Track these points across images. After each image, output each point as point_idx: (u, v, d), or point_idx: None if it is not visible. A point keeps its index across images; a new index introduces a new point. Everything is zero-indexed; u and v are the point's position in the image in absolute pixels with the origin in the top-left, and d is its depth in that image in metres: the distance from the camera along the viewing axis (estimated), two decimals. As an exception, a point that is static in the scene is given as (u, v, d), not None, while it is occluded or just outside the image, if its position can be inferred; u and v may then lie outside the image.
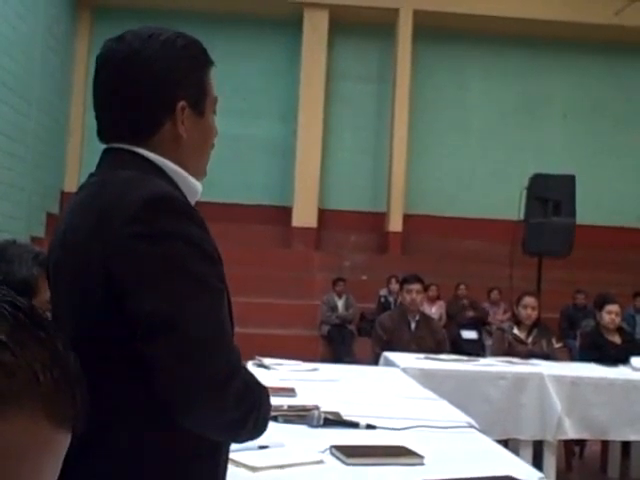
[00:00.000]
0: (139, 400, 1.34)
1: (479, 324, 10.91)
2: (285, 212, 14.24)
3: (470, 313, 11.73)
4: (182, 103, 1.45)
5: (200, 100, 1.49)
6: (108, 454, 1.32)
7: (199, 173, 1.52)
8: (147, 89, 1.44)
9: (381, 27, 14.59)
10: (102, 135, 1.50)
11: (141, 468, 1.34)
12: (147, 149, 1.44)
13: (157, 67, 1.44)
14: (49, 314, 1.74)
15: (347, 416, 2.78)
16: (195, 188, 1.50)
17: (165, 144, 1.45)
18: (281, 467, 2.13)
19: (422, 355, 5.44)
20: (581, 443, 6.04)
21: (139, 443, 1.34)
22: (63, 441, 0.69)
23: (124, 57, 1.44)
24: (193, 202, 1.46)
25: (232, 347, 1.33)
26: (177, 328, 1.27)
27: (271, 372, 4.14)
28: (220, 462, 1.46)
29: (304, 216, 14.13)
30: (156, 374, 1.29)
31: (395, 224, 14.24)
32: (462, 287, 12.13)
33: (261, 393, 1.40)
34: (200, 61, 1.51)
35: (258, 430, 1.42)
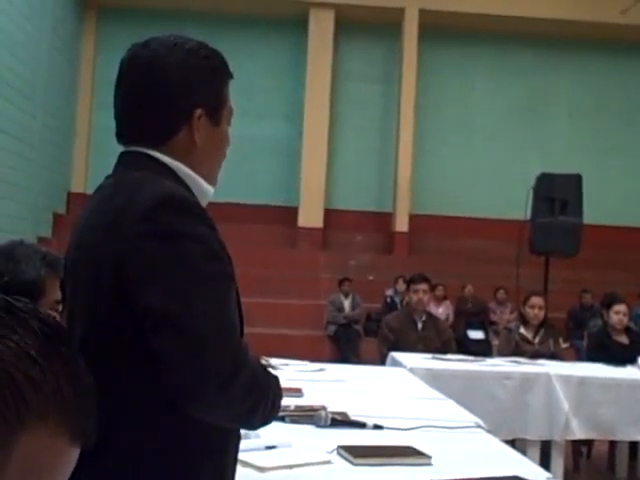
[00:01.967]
0: (142, 399, 1.35)
1: (485, 323, 10.90)
2: (291, 212, 14.24)
3: (472, 308, 11.76)
4: (199, 111, 1.49)
5: (217, 110, 1.53)
6: (109, 453, 1.32)
7: (210, 182, 1.55)
8: (167, 95, 1.48)
9: (387, 27, 14.58)
10: (120, 136, 1.53)
11: (143, 468, 1.35)
12: (162, 153, 1.47)
13: (179, 75, 1.48)
14: (56, 314, 1.74)
15: (354, 416, 2.77)
16: (206, 191, 1.53)
17: (179, 149, 1.48)
18: (289, 467, 2.12)
19: (429, 355, 5.43)
20: (588, 443, 6.02)
21: (141, 442, 1.35)
22: (76, 455, 0.70)
23: (149, 62, 1.48)
24: (204, 205, 1.48)
25: (239, 343, 1.35)
26: (184, 326, 1.29)
27: (278, 372, 4.12)
28: (228, 462, 1.46)
29: (310, 216, 14.13)
30: (164, 369, 1.31)
31: (401, 224, 14.22)
32: (469, 287, 12.11)
33: (269, 381, 1.44)
34: (220, 72, 1.55)
35: (269, 416, 1.47)
